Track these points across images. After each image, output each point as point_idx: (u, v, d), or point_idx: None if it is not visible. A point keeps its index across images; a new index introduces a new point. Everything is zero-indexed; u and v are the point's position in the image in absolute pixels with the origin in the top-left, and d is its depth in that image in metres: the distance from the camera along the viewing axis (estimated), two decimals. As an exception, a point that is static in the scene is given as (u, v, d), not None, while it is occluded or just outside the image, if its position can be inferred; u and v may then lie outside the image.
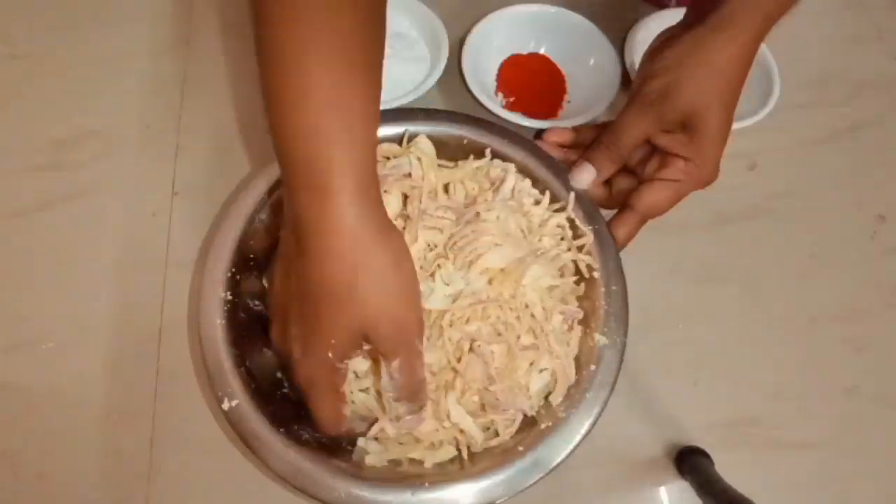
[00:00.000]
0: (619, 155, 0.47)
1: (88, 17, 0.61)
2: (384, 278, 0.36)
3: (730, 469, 0.44)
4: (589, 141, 0.49)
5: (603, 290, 0.45)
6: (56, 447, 0.46)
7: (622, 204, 0.47)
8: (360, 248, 0.35)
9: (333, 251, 0.34)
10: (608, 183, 0.50)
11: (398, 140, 0.49)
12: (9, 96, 0.57)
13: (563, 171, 0.49)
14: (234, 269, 0.44)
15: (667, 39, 0.45)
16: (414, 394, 0.40)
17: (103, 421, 0.46)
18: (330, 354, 0.36)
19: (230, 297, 0.43)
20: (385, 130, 0.50)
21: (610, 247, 0.47)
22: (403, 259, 0.37)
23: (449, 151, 0.50)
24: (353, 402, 0.43)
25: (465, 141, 0.49)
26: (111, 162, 0.55)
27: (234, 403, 0.40)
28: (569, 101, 0.59)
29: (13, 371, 0.47)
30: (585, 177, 0.47)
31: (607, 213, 0.49)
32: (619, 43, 0.58)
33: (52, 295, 0.50)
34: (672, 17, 0.59)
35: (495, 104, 0.55)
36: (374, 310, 0.36)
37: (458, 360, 0.42)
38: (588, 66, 0.59)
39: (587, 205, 0.48)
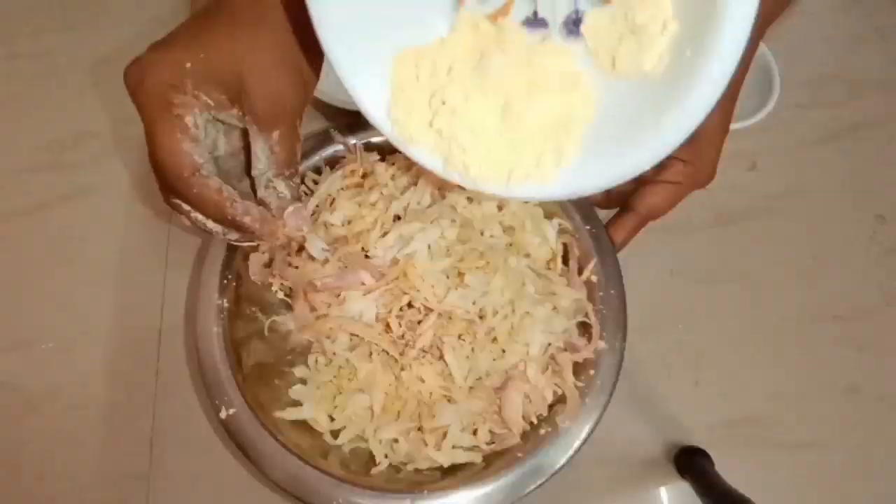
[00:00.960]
0: None
1: (88, 17, 0.61)
2: (287, 33, 0.34)
3: (730, 469, 0.44)
4: None
5: (601, 294, 0.45)
6: (56, 447, 0.46)
7: (621, 205, 0.47)
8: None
9: None
10: None
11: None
12: (9, 96, 0.57)
13: None
14: (229, 276, 0.44)
15: None
16: (293, 172, 0.37)
17: (103, 421, 0.46)
18: (188, 78, 0.33)
19: (226, 305, 0.44)
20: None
21: (608, 250, 0.46)
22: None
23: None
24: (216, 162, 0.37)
25: None
26: (111, 162, 0.55)
27: (231, 412, 0.40)
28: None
29: (13, 371, 0.47)
30: None
31: (604, 215, 0.49)
32: (619, 43, 0.58)
33: (52, 295, 0.50)
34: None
35: (495, 104, 0.55)
36: (264, 62, 0.33)
37: None
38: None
39: (584, 206, 0.48)
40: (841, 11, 0.68)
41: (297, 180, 0.38)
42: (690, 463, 0.46)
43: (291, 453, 0.40)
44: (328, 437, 0.43)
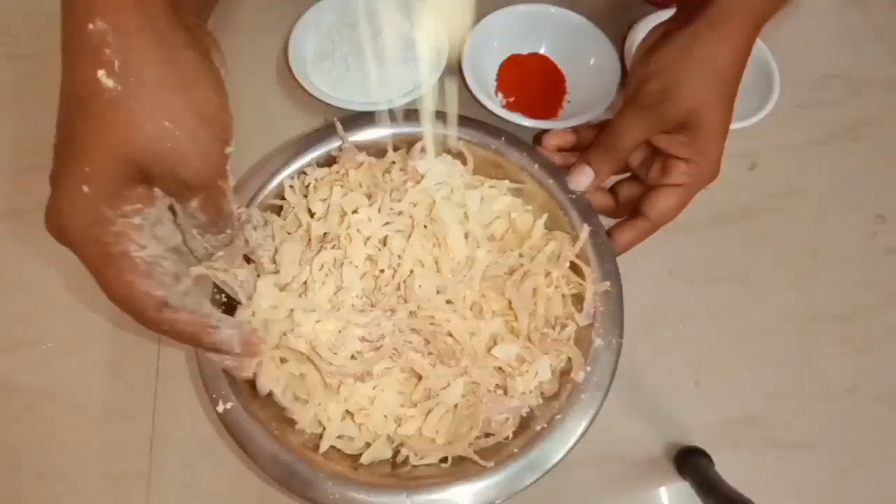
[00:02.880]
0: (618, 158, 0.46)
1: (88, 17, 0.61)
2: (164, 90, 0.29)
3: (730, 469, 0.44)
4: (589, 141, 0.49)
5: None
6: (56, 447, 0.46)
7: (632, 212, 0.47)
8: (129, 41, 0.28)
9: (87, 48, 0.27)
10: (614, 192, 0.49)
11: (391, 140, 0.50)
12: (9, 96, 0.57)
13: (560, 172, 0.49)
14: None
15: (660, 38, 0.45)
16: (222, 227, 0.35)
17: (103, 421, 0.46)
18: (99, 202, 0.29)
19: (224, 300, 0.44)
20: (382, 132, 0.50)
21: (605, 247, 0.47)
22: (196, 68, 0.30)
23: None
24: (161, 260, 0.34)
25: (461, 142, 0.50)
26: (111, 162, 0.55)
27: (228, 406, 0.40)
28: (569, 101, 0.59)
29: (13, 371, 0.47)
30: (583, 180, 0.47)
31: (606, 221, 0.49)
32: (619, 43, 0.58)
33: (52, 295, 0.50)
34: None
35: (495, 104, 0.55)
36: (151, 138, 0.29)
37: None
38: (588, 65, 0.59)
39: (582, 204, 0.48)
40: (841, 11, 0.68)
41: (230, 230, 0.36)
42: (690, 463, 0.46)
43: (288, 448, 0.40)
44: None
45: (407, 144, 0.50)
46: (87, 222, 0.29)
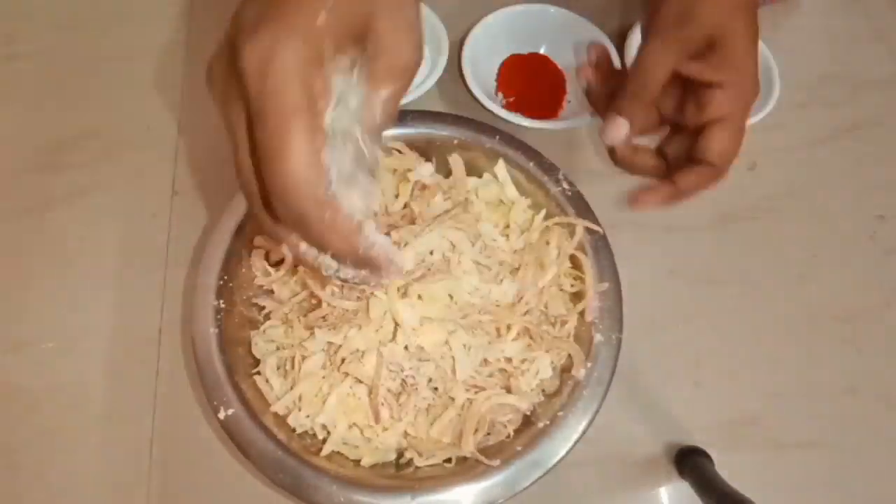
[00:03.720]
0: (650, 98, 0.41)
1: (88, 17, 0.61)
2: None
3: (730, 469, 0.44)
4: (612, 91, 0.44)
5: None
6: (56, 447, 0.46)
7: (690, 161, 0.41)
8: None
9: None
10: (661, 153, 0.44)
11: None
12: (9, 96, 0.57)
13: (554, 168, 0.49)
14: (225, 277, 0.45)
15: None
16: (379, 137, 0.31)
17: (103, 421, 0.46)
18: (321, 42, 0.25)
19: (223, 305, 0.44)
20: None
21: (602, 243, 0.47)
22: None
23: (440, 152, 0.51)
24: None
25: (456, 142, 0.50)
26: (111, 162, 0.55)
27: (229, 412, 0.40)
28: (569, 101, 0.59)
29: (13, 371, 0.47)
30: (619, 132, 0.41)
31: (606, 217, 0.49)
32: (619, 43, 0.58)
33: (52, 295, 0.50)
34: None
35: (495, 104, 0.55)
36: (389, 5, 0.27)
37: None
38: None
39: (578, 201, 0.48)
40: (841, 11, 0.68)
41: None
42: (690, 463, 0.46)
43: (291, 453, 0.40)
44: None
45: (408, 145, 0.50)
46: (304, 60, 0.25)
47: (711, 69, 0.39)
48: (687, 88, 0.41)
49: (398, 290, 0.43)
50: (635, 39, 0.58)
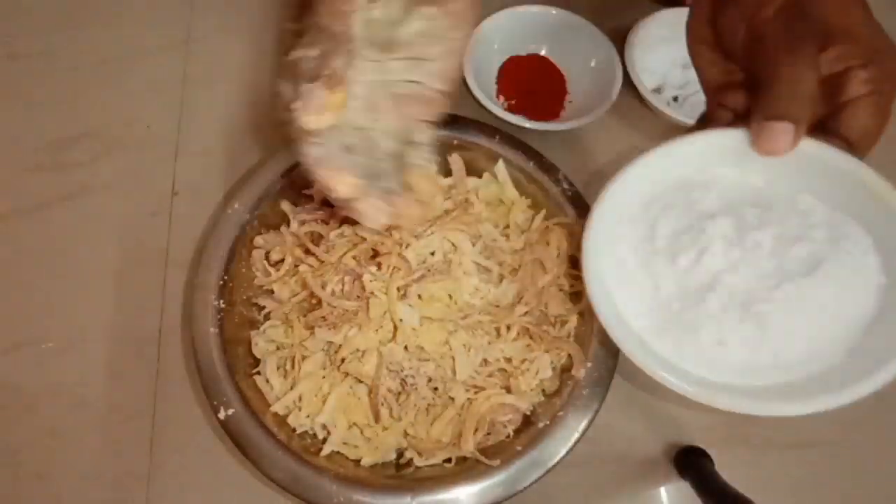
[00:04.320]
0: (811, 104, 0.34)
1: (88, 17, 0.61)
2: None
3: (730, 469, 0.44)
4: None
5: None
6: (56, 447, 0.46)
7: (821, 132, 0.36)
8: None
9: None
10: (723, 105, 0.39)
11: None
12: (9, 96, 0.57)
13: (554, 168, 0.49)
14: (225, 277, 0.45)
15: None
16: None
17: (103, 421, 0.46)
18: None
19: (223, 305, 0.44)
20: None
21: None
22: None
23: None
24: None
25: (456, 142, 0.50)
26: (111, 162, 0.55)
27: (230, 412, 0.41)
28: (570, 102, 0.59)
29: (13, 371, 0.47)
30: (785, 136, 0.34)
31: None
32: (619, 43, 0.58)
33: (52, 295, 0.50)
34: (673, 15, 0.60)
35: (496, 106, 0.55)
36: None
37: None
38: (589, 66, 0.59)
39: (578, 201, 0.48)
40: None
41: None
42: (690, 463, 0.46)
43: (291, 453, 0.40)
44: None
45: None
46: None
47: (851, 54, 0.33)
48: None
49: (398, 290, 0.43)
50: (635, 39, 0.58)
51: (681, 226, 0.37)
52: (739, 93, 0.37)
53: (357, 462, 0.42)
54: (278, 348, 0.45)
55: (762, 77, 0.34)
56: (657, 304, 0.37)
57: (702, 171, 0.38)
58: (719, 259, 0.36)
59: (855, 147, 0.35)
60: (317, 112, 0.36)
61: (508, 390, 0.44)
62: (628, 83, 0.56)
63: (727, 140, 0.35)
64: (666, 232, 0.37)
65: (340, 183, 0.37)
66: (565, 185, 0.49)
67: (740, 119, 0.36)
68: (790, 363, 0.35)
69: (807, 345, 0.35)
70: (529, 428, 0.43)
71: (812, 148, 0.34)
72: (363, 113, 0.38)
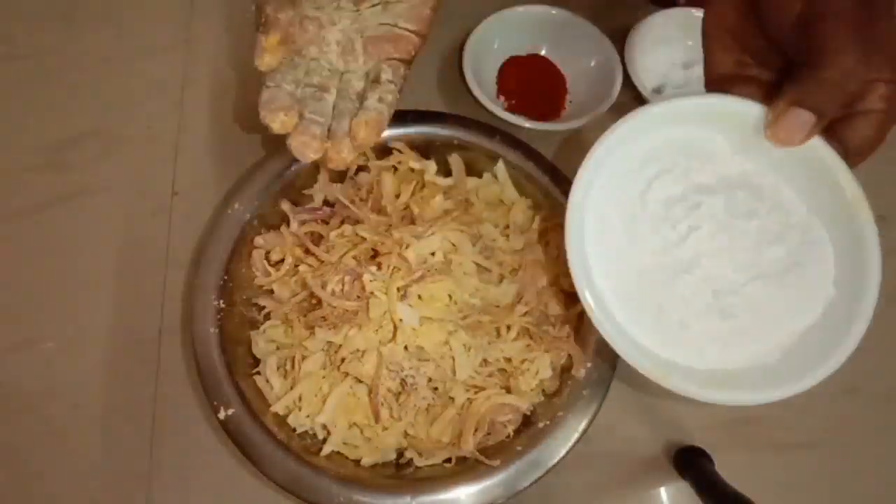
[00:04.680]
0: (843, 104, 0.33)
1: (88, 17, 0.61)
2: None
3: (730, 469, 0.44)
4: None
5: None
6: (56, 447, 0.46)
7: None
8: None
9: None
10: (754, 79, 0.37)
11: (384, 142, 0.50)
12: (9, 96, 0.57)
13: (554, 168, 0.49)
14: (225, 277, 0.45)
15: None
16: None
17: (103, 421, 0.46)
18: None
19: (223, 305, 0.44)
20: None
21: None
22: None
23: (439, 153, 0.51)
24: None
25: (456, 142, 0.50)
26: (111, 162, 0.55)
27: (230, 412, 0.41)
28: (570, 102, 0.59)
29: (13, 371, 0.47)
30: (806, 128, 0.33)
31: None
32: (619, 43, 0.58)
33: (52, 295, 0.50)
34: (673, 16, 0.60)
35: (496, 106, 0.55)
36: None
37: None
38: (589, 66, 0.59)
39: None
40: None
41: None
42: (690, 463, 0.46)
43: (291, 453, 0.40)
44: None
45: (408, 145, 0.50)
46: None
47: (881, 67, 0.32)
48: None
49: (398, 290, 0.43)
50: (636, 39, 0.58)
51: (675, 193, 0.36)
52: (746, 87, 0.36)
53: (357, 462, 0.42)
54: (278, 348, 0.45)
55: (809, 59, 0.32)
56: (629, 267, 0.36)
57: (704, 135, 0.37)
58: (706, 241, 0.35)
59: (849, 155, 0.36)
60: (259, 55, 0.41)
61: (508, 390, 0.44)
62: (628, 83, 0.56)
63: (740, 109, 0.35)
64: (659, 196, 0.36)
65: (274, 120, 0.40)
66: (565, 185, 0.48)
67: None
68: (733, 353, 0.36)
69: (753, 340, 0.36)
70: (529, 428, 0.43)
71: (812, 142, 0.34)
72: (340, 57, 0.43)
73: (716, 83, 0.37)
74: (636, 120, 0.36)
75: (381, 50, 0.43)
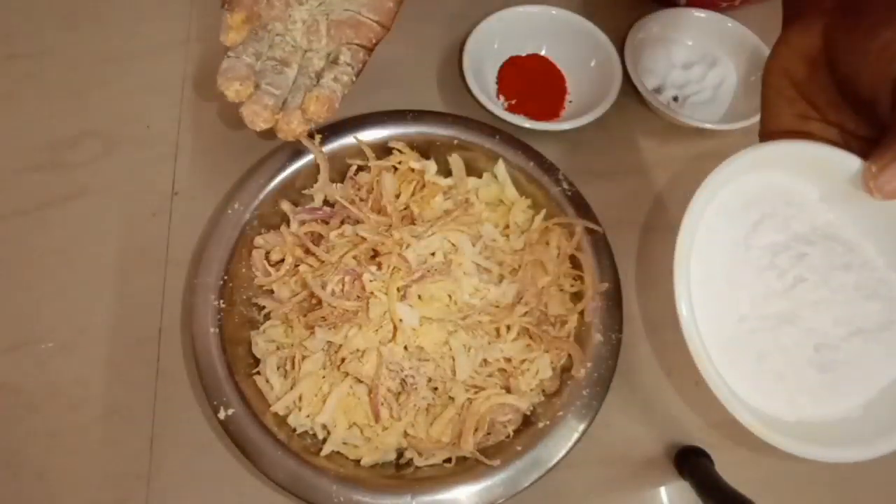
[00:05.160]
0: None
1: (88, 17, 0.61)
2: None
3: (730, 469, 0.44)
4: None
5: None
6: (56, 447, 0.46)
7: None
8: None
9: None
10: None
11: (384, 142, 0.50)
12: (9, 96, 0.57)
13: (554, 168, 0.49)
14: (225, 277, 0.45)
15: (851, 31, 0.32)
16: None
17: (103, 421, 0.46)
18: None
19: (223, 305, 0.44)
20: (375, 133, 0.50)
21: (602, 243, 0.47)
22: None
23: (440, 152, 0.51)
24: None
25: (456, 142, 0.50)
26: (111, 162, 0.55)
27: (230, 412, 0.41)
28: (570, 102, 0.59)
29: (13, 371, 0.47)
30: None
31: (609, 218, 0.49)
32: (619, 43, 0.59)
33: (52, 295, 0.50)
34: (673, 16, 0.60)
35: (497, 106, 0.55)
36: None
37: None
38: (589, 66, 0.59)
39: (578, 201, 0.48)
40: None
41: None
42: (690, 463, 0.46)
43: (291, 453, 0.40)
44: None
45: (408, 145, 0.50)
46: None
47: None
48: None
49: (398, 290, 0.43)
50: (636, 39, 0.58)
51: (779, 241, 0.35)
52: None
53: (357, 462, 0.42)
54: (278, 348, 0.45)
55: None
56: (729, 313, 0.35)
57: (797, 182, 0.36)
58: (810, 293, 0.35)
59: None
60: (225, 31, 0.43)
61: (508, 390, 0.44)
62: (628, 83, 0.56)
63: (832, 157, 0.33)
64: (764, 243, 0.35)
65: (229, 88, 0.42)
66: (565, 185, 0.49)
67: None
68: (824, 407, 0.35)
69: (844, 396, 0.35)
70: (529, 428, 0.43)
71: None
72: (304, 35, 0.45)
73: (773, 136, 0.36)
74: (742, 160, 0.34)
75: (343, 34, 0.45)
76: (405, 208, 0.48)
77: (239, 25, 0.43)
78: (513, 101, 0.58)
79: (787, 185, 0.36)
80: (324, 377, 0.43)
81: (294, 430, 0.43)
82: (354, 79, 0.45)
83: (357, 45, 0.45)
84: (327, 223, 0.48)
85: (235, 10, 0.43)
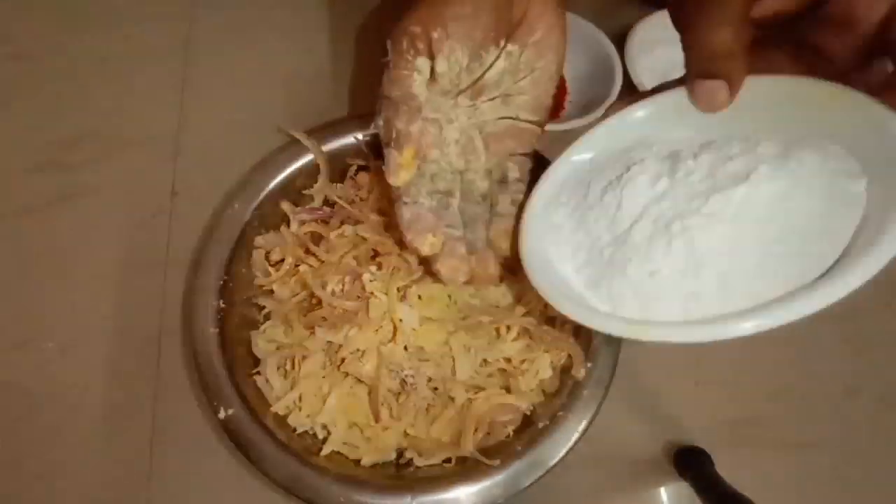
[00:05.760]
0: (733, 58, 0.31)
1: (88, 17, 0.61)
2: None
3: (730, 469, 0.44)
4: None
5: None
6: (56, 447, 0.46)
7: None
8: None
9: None
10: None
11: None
12: (9, 96, 0.57)
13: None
14: (225, 277, 0.45)
15: None
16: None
17: (103, 421, 0.46)
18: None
19: (223, 305, 0.44)
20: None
21: None
22: None
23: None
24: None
25: None
26: (111, 162, 0.55)
27: (229, 412, 0.41)
28: (570, 102, 0.59)
29: (13, 371, 0.47)
30: (719, 92, 0.31)
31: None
32: (619, 43, 0.58)
33: (52, 295, 0.50)
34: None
35: (495, 104, 0.55)
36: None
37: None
38: (589, 66, 0.59)
39: None
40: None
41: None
42: (690, 463, 0.46)
43: (291, 453, 0.40)
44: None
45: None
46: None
47: None
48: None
49: (398, 290, 0.43)
50: (635, 39, 0.58)
51: (612, 177, 0.35)
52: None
53: (357, 462, 0.42)
54: (278, 348, 0.45)
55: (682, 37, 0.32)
56: (592, 256, 0.34)
57: (651, 136, 0.35)
58: (643, 191, 0.33)
59: None
60: (394, 172, 0.39)
61: (508, 390, 0.43)
62: (628, 83, 0.56)
63: (676, 99, 0.33)
64: (597, 188, 0.35)
65: (423, 244, 0.39)
66: None
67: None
68: (745, 286, 0.30)
69: (758, 260, 0.29)
70: (529, 428, 0.43)
71: (766, 86, 0.31)
72: (459, 157, 0.40)
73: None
74: (577, 147, 0.38)
75: (503, 146, 0.40)
76: None
77: (409, 163, 0.38)
78: (513, 101, 0.58)
79: (637, 141, 0.36)
80: (324, 377, 0.43)
81: (294, 430, 0.43)
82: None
83: (522, 154, 0.41)
84: (327, 223, 0.48)
85: (405, 146, 0.38)
